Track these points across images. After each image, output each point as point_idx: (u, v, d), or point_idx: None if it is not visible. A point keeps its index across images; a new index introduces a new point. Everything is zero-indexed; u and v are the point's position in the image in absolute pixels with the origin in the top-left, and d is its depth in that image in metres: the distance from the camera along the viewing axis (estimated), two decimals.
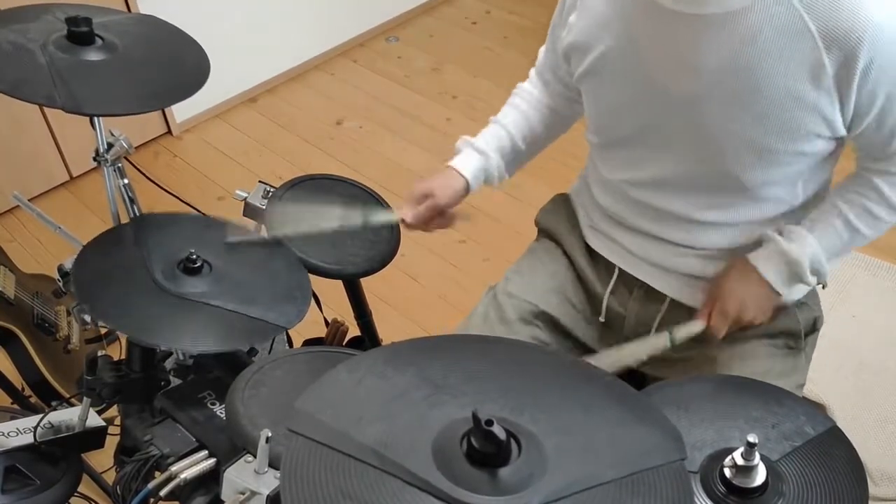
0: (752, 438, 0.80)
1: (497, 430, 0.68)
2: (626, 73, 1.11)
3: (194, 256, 1.16)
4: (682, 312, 1.24)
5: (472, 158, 1.31)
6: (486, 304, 1.35)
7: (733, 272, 1.17)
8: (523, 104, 1.36)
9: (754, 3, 0.97)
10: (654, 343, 1.19)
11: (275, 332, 1.19)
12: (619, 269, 1.28)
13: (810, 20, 0.96)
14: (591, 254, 1.33)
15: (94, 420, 1.31)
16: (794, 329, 1.23)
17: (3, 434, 1.24)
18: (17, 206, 1.42)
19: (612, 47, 1.10)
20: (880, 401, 2.00)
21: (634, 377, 1.38)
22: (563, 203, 1.41)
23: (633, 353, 1.19)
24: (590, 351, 1.35)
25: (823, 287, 1.30)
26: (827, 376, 1.99)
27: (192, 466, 1.04)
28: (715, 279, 1.19)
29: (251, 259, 1.26)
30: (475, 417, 0.67)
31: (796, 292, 1.22)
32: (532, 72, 1.38)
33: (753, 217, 1.15)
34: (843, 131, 1.04)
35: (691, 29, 1.01)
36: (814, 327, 1.27)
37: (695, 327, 1.19)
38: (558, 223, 1.38)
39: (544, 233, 1.42)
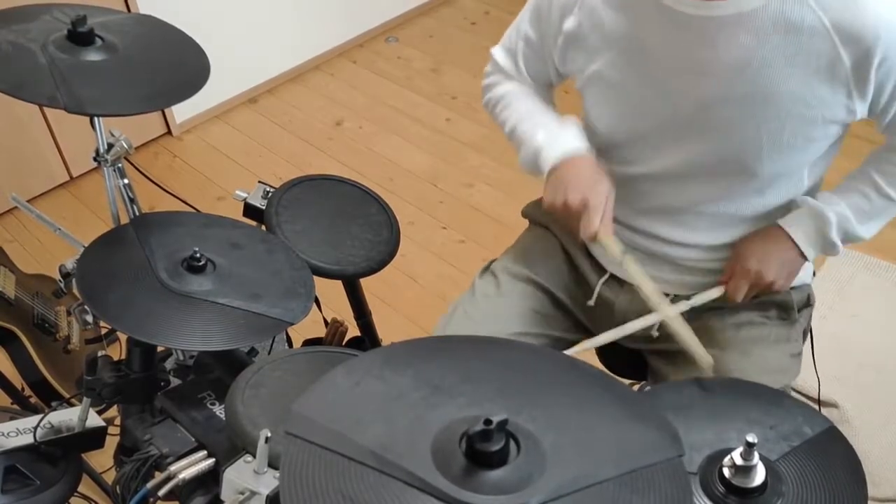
0: (750, 438, 0.80)
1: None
2: (635, 77, 1.10)
3: (198, 255, 1.17)
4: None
5: (571, 132, 1.20)
6: (483, 280, 1.36)
7: (758, 234, 1.17)
8: (527, 93, 1.30)
9: (768, 2, 0.97)
10: (668, 312, 1.15)
11: (282, 328, 1.19)
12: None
13: (824, 15, 0.97)
14: (585, 247, 1.33)
15: (94, 420, 1.31)
16: (787, 301, 1.24)
17: (3, 434, 1.25)
18: (18, 206, 1.42)
19: (621, 52, 1.10)
20: (881, 400, 2.00)
21: (636, 367, 1.39)
22: None
23: (645, 322, 1.17)
24: (580, 324, 1.36)
25: (814, 274, 1.31)
26: (827, 376, 1.98)
27: (191, 466, 1.04)
28: (738, 242, 1.19)
29: (253, 256, 1.26)
30: (488, 422, 0.67)
31: (823, 254, 1.18)
32: (497, 77, 1.32)
33: (757, 209, 1.16)
34: (859, 117, 1.05)
35: (705, 31, 1.01)
36: (807, 302, 1.29)
37: (714, 293, 1.18)
38: (549, 216, 1.38)
39: (535, 222, 1.43)
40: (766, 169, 1.10)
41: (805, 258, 1.16)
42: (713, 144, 1.10)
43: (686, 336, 1.15)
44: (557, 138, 1.18)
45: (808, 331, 1.32)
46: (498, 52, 1.32)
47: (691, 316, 1.19)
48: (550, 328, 1.32)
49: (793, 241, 1.14)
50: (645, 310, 1.26)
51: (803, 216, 1.14)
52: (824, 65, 0.99)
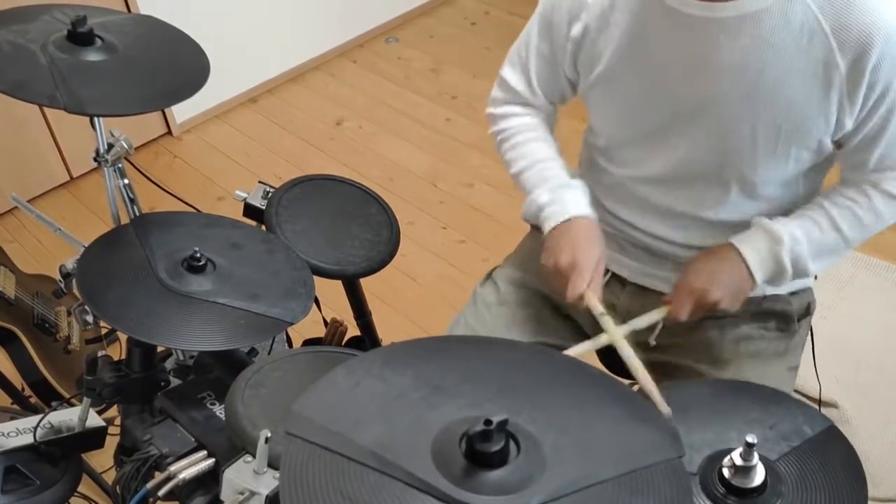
0: (750, 439, 0.80)
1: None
2: (638, 78, 1.11)
3: (198, 255, 1.17)
4: None
5: (576, 195, 1.21)
6: (484, 289, 1.36)
7: (707, 252, 1.15)
8: (537, 134, 1.29)
9: (770, 5, 0.98)
10: (615, 334, 1.11)
11: (281, 328, 1.19)
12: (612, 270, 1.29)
13: (824, 20, 0.97)
14: None
15: (94, 420, 1.31)
16: (787, 311, 1.24)
17: (3, 434, 1.25)
18: (18, 206, 1.42)
19: (625, 54, 1.10)
20: (881, 401, 2.00)
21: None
22: None
23: (595, 344, 1.13)
24: (580, 330, 1.35)
25: (815, 278, 1.30)
26: (827, 377, 1.98)
27: (191, 466, 1.04)
28: (687, 260, 1.17)
29: (253, 256, 1.26)
30: (488, 422, 0.67)
31: (771, 281, 1.14)
32: (507, 108, 1.30)
33: (754, 215, 1.16)
34: (848, 128, 1.04)
35: (707, 32, 1.01)
36: (807, 311, 1.28)
37: (655, 314, 1.14)
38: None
39: (537, 227, 1.43)
40: (760, 176, 1.10)
41: (754, 280, 1.11)
42: (711, 147, 1.10)
43: (643, 379, 1.04)
44: (560, 200, 1.19)
45: (807, 336, 1.31)
46: (509, 74, 1.28)
47: (691, 325, 1.18)
48: (551, 336, 1.32)
49: (743, 259, 1.11)
50: (646, 311, 1.26)
51: (756, 234, 1.12)
52: (821, 69, 0.99)
